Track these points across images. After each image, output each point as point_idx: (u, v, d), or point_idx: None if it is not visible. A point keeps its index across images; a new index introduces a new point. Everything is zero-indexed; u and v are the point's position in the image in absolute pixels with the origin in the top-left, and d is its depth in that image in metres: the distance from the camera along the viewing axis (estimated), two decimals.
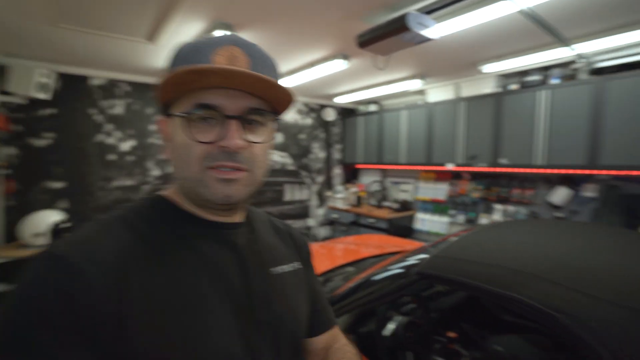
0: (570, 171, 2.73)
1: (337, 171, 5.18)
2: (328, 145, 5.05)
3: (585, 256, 1.05)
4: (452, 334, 1.76)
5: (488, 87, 3.42)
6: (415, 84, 3.62)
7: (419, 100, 4.13)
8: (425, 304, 1.62)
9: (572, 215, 2.98)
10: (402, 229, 4.03)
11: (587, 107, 2.61)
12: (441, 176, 3.99)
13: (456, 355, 1.64)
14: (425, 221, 4.01)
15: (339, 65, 2.88)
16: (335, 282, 1.76)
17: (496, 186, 3.48)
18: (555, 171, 2.84)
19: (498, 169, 3.19)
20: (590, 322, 0.76)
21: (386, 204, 4.43)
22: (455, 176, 3.85)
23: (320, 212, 5.00)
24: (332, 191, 5.03)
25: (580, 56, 2.64)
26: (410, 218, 4.18)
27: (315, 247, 2.65)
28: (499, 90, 3.29)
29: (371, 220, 4.12)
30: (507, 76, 3.34)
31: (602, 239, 1.25)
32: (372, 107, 4.74)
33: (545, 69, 3.06)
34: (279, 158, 4.51)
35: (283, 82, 0.51)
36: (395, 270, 1.19)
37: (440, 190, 3.97)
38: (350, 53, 2.75)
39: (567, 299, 0.83)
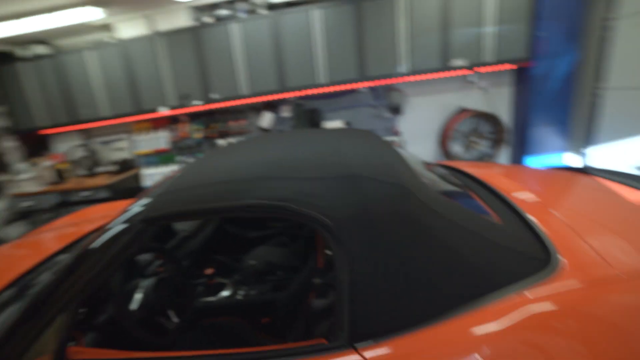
0: (269, 97, 3.14)
1: (10, 144, 3.70)
2: None
3: (292, 153, 1.19)
4: (208, 271, 1.72)
5: (184, 21, 3.26)
6: (94, 14, 2.90)
7: (107, 38, 3.41)
8: (171, 255, 1.45)
9: None
10: (130, 191, 3.53)
11: (270, 38, 2.99)
12: (158, 123, 3.69)
13: (220, 286, 1.63)
14: (154, 175, 3.67)
15: None
16: (42, 283, 1.25)
17: (214, 123, 3.59)
18: (259, 99, 3.18)
19: (212, 106, 3.23)
20: (309, 199, 0.85)
21: (100, 169, 3.73)
22: (173, 120, 3.65)
23: None
24: (9, 173, 3.59)
25: None
26: (136, 177, 3.70)
27: (5, 251, 1.80)
28: (196, 24, 3.18)
29: (86, 193, 3.34)
30: (200, 9, 3.26)
31: (299, 138, 1.47)
32: (40, 49, 3.51)
33: (231, 3, 3.18)
34: None
35: None
36: (117, 227, 0.92)
37: (161, 139, 3.71)
38: None
39: (289, 188, 0.90)
